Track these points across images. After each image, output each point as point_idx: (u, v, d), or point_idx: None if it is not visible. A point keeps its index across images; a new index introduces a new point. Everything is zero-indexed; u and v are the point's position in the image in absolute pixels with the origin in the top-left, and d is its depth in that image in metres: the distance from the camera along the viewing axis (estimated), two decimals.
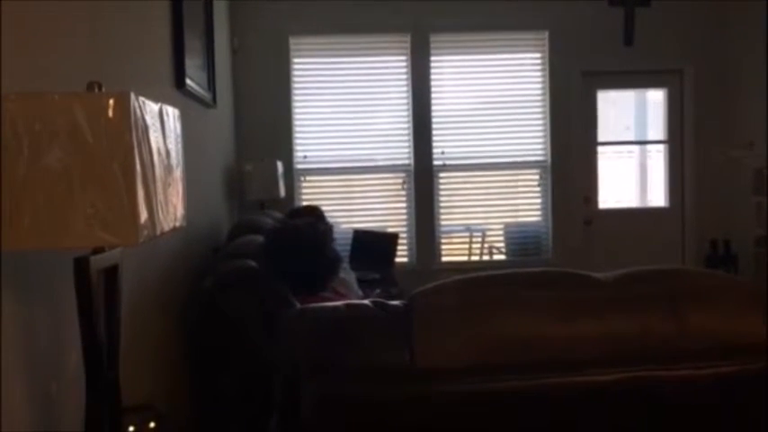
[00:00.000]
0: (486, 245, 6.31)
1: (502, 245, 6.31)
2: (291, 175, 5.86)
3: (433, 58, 5.98)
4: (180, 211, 1.65)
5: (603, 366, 1.58)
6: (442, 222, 6.13)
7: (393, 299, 1.86)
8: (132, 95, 1.34)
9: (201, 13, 4.11)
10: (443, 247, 6.18)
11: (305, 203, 5.69)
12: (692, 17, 6.07)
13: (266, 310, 2.56)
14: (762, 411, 1.60)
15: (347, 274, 3.75)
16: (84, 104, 1.32)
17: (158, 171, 1.47)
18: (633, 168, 6.56)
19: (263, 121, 5.83)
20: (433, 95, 5.99)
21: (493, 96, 6.08)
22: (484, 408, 1.58)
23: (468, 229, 6.26)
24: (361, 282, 4.05)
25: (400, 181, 6.07)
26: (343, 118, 6.00)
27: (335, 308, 1.79)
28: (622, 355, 1.59)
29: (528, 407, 1.58)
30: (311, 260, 2.93)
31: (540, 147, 6.14)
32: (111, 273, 1.58)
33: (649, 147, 6.46)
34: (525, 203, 6.22)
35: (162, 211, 1.48)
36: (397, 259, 5.67)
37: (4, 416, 1.48)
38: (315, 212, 4.61)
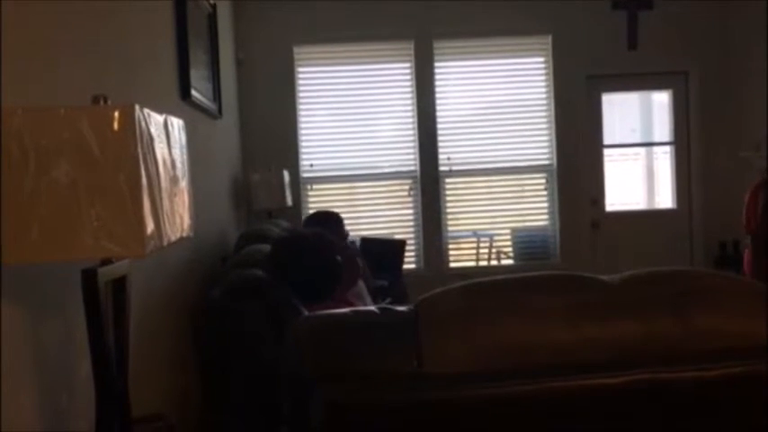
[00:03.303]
0: (493, 249, 6.31)
1: (509, 249, 6.31)
2: (298, 183, 5.88)
3: (436, 65, 5.99)
4: (186, 221, 1.67)
5: (610, 369, 1.58)
6: (450, 228, 6.14)
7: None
8: (137, 107, 1.36)
9: (206, 24, 4.13)
10: (451, 252, 6.18)
11: (311, 212, 5.69)
12: (696, 18, 6.07)
13: (274, 319, 2.58)
14: None
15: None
16: (89, 117, 1.33)
17: (164, 182, 1.48)
18: (640, 170, 6.55)
19: (269, 131, 5.85)
20: (437, 101, 6.00)
21: (498, 101, 6.10)
22: (491, 412, 1.58)
23: (475, 234, 6.26)
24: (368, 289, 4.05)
25: (407, 187, 6.08)
26: (349, 126, 6.02)
27: (342, 314, 1.80)
28: (629, 358, 1.59)
29: (535, 411, 1.58)
30: (315, 269, 2.94)
31: (545, 150, 6.14)
32: (120, 284, 1.59)
33: (655, 149, 6.46)
34: (532, 207, 6.22)
35: (168, 222, 1.49)
36: (405, 266, 5.68)
37: (15, 427, 1.49)
38: (332, 218, 4.58)
